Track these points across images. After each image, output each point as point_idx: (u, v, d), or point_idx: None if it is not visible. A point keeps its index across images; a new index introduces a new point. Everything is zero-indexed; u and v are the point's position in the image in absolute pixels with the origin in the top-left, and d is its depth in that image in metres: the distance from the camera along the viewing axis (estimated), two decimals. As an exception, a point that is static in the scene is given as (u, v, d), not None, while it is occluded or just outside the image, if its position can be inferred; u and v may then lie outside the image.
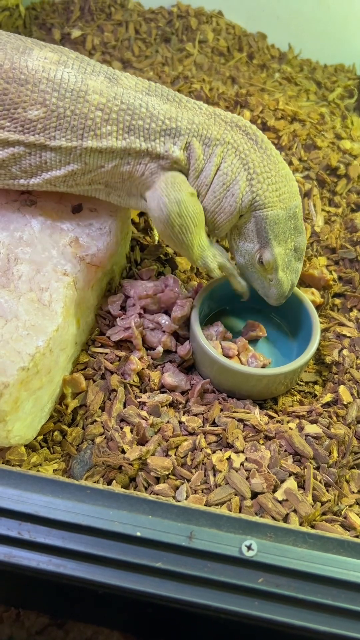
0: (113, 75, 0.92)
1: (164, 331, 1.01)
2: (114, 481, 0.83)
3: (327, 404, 0.97)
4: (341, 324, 1.11)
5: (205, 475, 0.85)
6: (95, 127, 0.88)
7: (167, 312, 1.03)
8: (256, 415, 0.93)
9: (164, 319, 1.01)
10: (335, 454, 0.88)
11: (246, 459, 0.86)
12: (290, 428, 0.91)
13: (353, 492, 0.87)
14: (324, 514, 0.83)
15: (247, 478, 0.84)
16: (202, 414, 0.93)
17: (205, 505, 0.81)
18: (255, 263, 0.96)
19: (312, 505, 0.82)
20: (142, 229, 1.20)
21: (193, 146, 0.91)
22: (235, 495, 0.82)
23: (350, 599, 0.63)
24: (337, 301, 1.16)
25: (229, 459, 0.86)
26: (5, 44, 0.89)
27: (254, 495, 0.82)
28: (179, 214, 0.90)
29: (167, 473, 0.84)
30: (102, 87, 0.88)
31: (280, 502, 0.81)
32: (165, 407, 0.93)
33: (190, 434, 0.91)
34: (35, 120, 0.87)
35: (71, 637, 0.88)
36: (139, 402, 0.93)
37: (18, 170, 0.91)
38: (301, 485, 0.85)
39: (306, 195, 1.30)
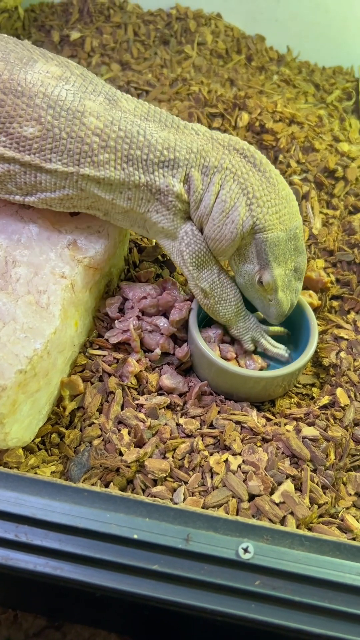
0: (113, 96, 0.90)
1: (162, 334, 1.01)
2: (112, 483, 0.83)
3: (325, 407, 0.97)
4: (339, 327, 1.11)
5: (202, 478, 0.85)
6: (92, 154, 0.87)
7: (166, 315, 1.03)
8: (254, 418, 0.93)
9: (162, 322, 1.01)
10: (332, 457, 0.88)
11: (243, 461, 0.86)
12: (287, 430, 0.91)
13: (350, 495, 0.87)
14: (321, 516, 0.84)
15: (245, 480, 0.84)
16: (200, 416, 0.94)
17: (203, 507, 0.81)
18: (255, 283, 0.95)
19: (309, 508, 0.82)
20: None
21: (192, 178, 0.89)
22: (233, 497, 0.82)
23: (346, 601, 0.63)
24: (335, 303, 1.17)
25: (226, 461, 0.86)
26: (9, 53, 0.88)
27: (251, 497, 0.83)
28: (212, 292, 0.96)
29: (164, 475, 0.84)
30: (99, 109, 0.87)
31: (277, 504, 0.81)
32: (163, 410, 0.94)
33: (188, 436, 0.91)
34: (30, 139, 0.86)
35: (68, 639, 0.88)
36: (137, 404, 0.93)
37: (14, 186, 0.91)
38: (298, 488, 0.85)
39: (304, 197, 1.30)
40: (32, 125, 0.85)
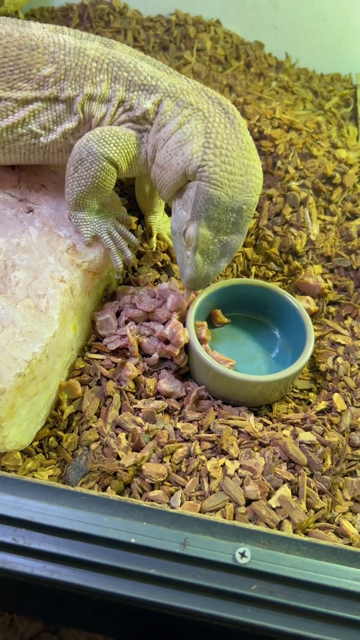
0: (108, 42, 1.00)
1: (159, 339, 1.01)
2: (109, 487, 0.83)
3: (322, 412, 0.98)
4: (336, 332, 1.11)
5: (199, 482, 0.85)
6: (92, 76, 0.96)
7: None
8: (251, 423, 0.93)
9: (160, 327, 1.01)
10: (329, 462, 0.89)
11: (240, 466, 0.87)
12: (284, 435, 0.91)
13: (346, 500, 0.88)
14: (317, 521, 0.84)
15: (242, 485, 0.84)
16: (197, 420, 0.94)
17: (200, 511, 0.81)
18: (181, 233, 0.93)
19: (306, 513, 0.82)
20: (140, 236, 1.20)
21: (164, 103, 0.95)
22: (230, 502, 0.83)
23: (343, 606, 0.64)
24: (332, 309, 1.17)
25: (223, 465, 0.87)
26: (5, 20, 0.98)
27: (248, 502, 0.83)
28: (81, 159, 0.93)
29: (161, 479, 0.84)
30: (98, 47, 0.97)
31: (274, 509, 0.82)
32: (161, 414, 0.94)
33: (185, 440, 0.91)
34: (48, 76, 0.95)
35: (65, 643, 0.88)
36: (135, 408, 0.93)
37: (37, 127, 0.97)
38: (295, 493, 0.85)
39: (302, 203, 1.31)
40: (50, 66, 0.95)
